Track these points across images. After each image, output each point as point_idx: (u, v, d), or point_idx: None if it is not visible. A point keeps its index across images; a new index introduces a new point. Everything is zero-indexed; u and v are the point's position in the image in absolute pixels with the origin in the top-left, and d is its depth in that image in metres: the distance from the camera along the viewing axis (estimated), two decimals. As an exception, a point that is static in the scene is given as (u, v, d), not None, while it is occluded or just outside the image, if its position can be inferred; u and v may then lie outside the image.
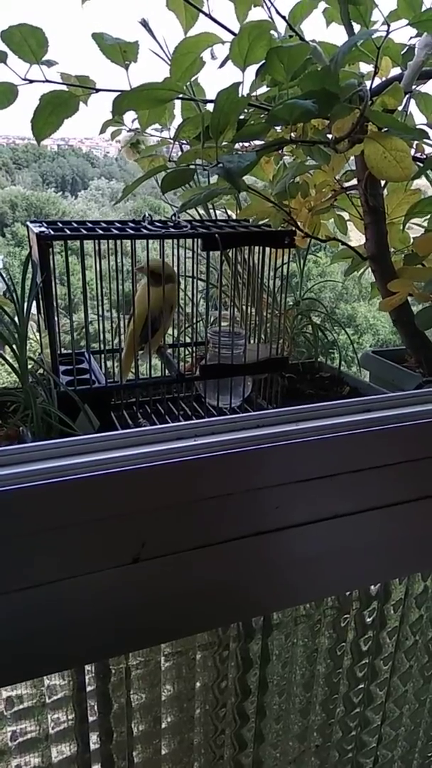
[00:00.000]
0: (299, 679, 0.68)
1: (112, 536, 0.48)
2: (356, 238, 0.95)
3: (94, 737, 0.59)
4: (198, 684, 0.62)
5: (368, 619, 0.68)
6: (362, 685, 0.73)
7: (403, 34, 0.82)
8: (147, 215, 0.72)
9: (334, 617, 0.66)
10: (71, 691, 0.56)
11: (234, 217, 0.92)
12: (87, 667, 0.56)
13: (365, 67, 0.80)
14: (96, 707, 0.58)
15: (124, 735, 0.60)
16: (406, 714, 0.78)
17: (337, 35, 0.75)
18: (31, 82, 0.71)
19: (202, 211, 0.93)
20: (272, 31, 0.70)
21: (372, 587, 0.67)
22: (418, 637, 0.73)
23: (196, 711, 0.64)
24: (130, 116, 0.83)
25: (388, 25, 0.62)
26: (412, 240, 0.88)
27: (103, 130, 0.85)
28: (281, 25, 0.77)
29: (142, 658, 0.58)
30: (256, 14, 0.77)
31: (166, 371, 0.79)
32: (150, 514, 0.49)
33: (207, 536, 0.52)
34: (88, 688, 0.57)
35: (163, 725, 0.62)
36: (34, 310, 0.68)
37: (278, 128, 0.76)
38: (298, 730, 0.71)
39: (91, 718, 0.58)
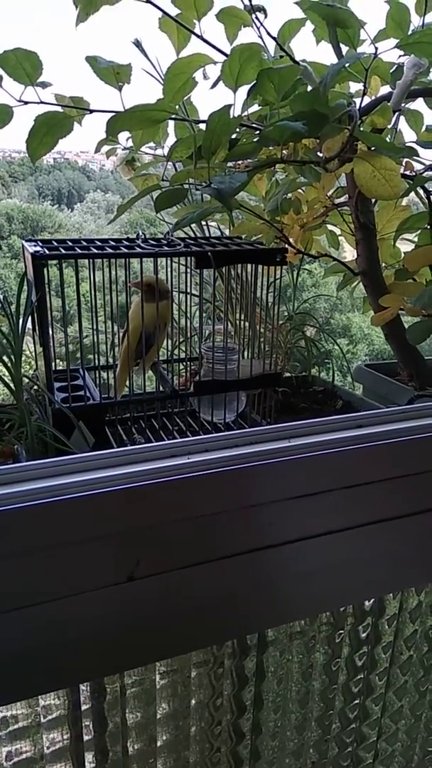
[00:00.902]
0: (294, 695, 0.68)
1: (107, 555, 0.48)
2: (349, 250, 0.96)
3: (89, 756, 0.59)
4: (193, 702, 0.62)
5: (363, 635, 0.69)
6: (358, 701, 0.72)
7: (392, 52, 0.83)
8: (141, 234, 0.73)
9: (328, 633, 0.67)
10: (66, 710, 0.56)
11: (228, 233, 0.92)
12: (82, 686, 0.56)
13: (354, 86, 0.82)
14: (91, 726, 0.58)
15: (120, 754, 0.60)
16: (402, 729, 0.78)
17: (326, 52, 0.76)
18: (26, 103, 0.72)
19: (196, 228, 0.94)
20: (263, 52, 0.71)
21: (366, 602, 0.68)
22: (413, 651, 0.73)
23: (192, 729, 0.63)
24: (125, 134, 0.84)
25: (376, 49, 0.64)
26: (402, 255, 0.88)
27: (98, 149, 0.86)
28: (271, 45, 0.78)
29: (137, 676, 0.58)
30: (247, 34, 0.78)
31: (161, 387, 0.79)
32: (144, 532, 0.49)
33: (201, 554, 0.52)
34: (84, 707, 0.57)
35: (159, 744, 0.62)
36: (29, 325, 0.68)
37: (270, 147, 0.77)
38: (294, 746, 0.71)
39: (86, 738, 0.58)
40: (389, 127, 0.76)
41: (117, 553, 0.48)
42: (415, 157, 0.77)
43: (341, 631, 0.67)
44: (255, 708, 0.66)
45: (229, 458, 0.51)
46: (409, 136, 0.86)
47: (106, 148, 0.88)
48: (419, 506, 0.61)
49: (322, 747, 0.73)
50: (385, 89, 0.80)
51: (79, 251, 0.67)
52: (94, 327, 0.73)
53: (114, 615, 0.50)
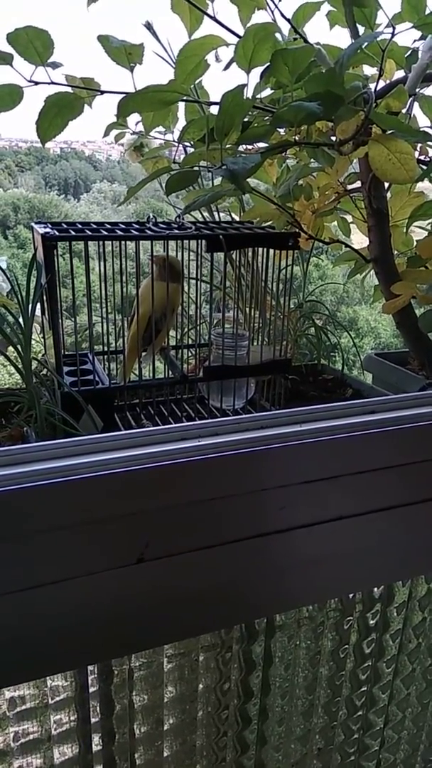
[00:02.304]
0: (302, 681, 0.68)
1: (116, 537, 0.48)
2: (358, 240, 0.95)
3: (96, 738, 0.59)
4: (200, 686, 0.62)
5: (371, 622, 0.68)
6: (365, 688, 0.72)
7: (407, 36, 0.82)
8: (151, 217, 0.72)
9: (337, 619, 0.66)
10: (74, 692, 0.56)
11: (237, 219, 0.92)
12: (90, 668, 0.56)
13: (369, 70, 0.81)
14: (98, 708, 0.58)
15: (127, 736, 0.60)
16: (409, 717, 0.78)
17: (340, 37, 0.75)
18: (36, 83, 0.71)
19: (206, 214, 0.93)
20: (276, 34, 0.70)
21: (375, 590, 0.67)
22: (421, 639, 0.73)
23: (199, 713, 0.64)
24: (133, 119, 0.83)
25: (393, 28, 0.63)
26: (415, 243, 0.88)
27: (107, 133, 0.85)
28: (285, 28, 0.77)
29: (145, 659, 0.58)
30: (260, 17, 0.77)
31: (170, 372, 0.79)
32: (154, 514, 0.49)
33: (211, 537, 0.52)
34: (91, 689, 0.57)
35: (166, 727, 0.62)
36: (38, 311, 0.68)
37: (282, 131, 0.76)
38: (301, 732, 0.71)
39: (93, 720, 0.58)
40: (404, 111, 0.75)
41: (126, 535, 0.48)
42: (429, 143, 0.76)
43: (350, 618, 0.67)
44: (262, 693, 0.66)
45: (239, 442, 0.51)
46: (422, 122, 0.85)
47: (114, 132, 0.87)
48: (430, 494, 0.60)
49: (329, 733, 0.73)
50: (399, 74, 0.79)
51: (90, 233, 0.66)
52: (103, 314, 0.73)
53: (123, 597, 0.50)
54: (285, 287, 0.78)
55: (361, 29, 0.70)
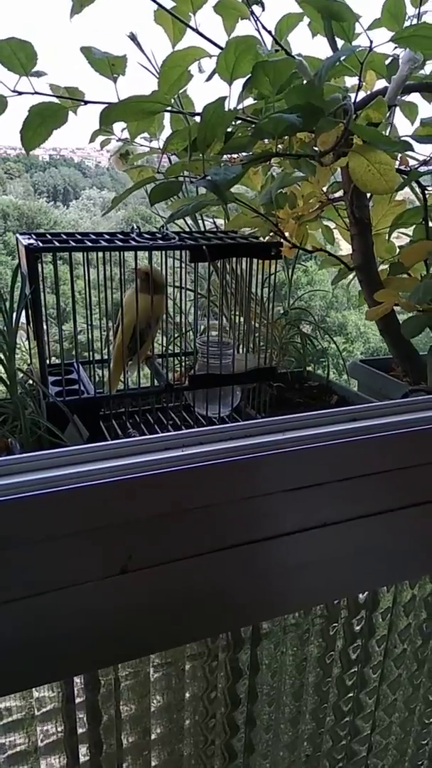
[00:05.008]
0: (289, 688, 0.68)
1: (100, 547, 0.48)
2: (345, 247, 0.96)
3: (83, 749, 0.59)
4: (187, 694, 0.62)
5: (357, 628, 0.69)
6: (352, 694, 0.73)
7: (387, 44, 0.83)
8: (135, 227, 0.73)
9: (322, 626, 0.67)
10: (60, 702, 0.56)
11: (223, 226, 0.92)
12: (76, 679, 0.56)
13: (351, 80, 0.82)
14: (85, 719, 0.58)
15: (114, 747, 0.60)
16: (396, 722, 0.78)
17: (323, 46, 0.76)
18: (20, 93, 0.71)
19: (190, 222, 0.94)
20: (258, 45, 0.71)
21: (360, 596, 0.68)
22: (407, 645, 0.73)
23: (186, 722, 0.63)
24: (119, 126, 0.84)
25: (371, 42, 0.64)
26: (397, 250, 0.89)
27: (92, 140, 0.86)
28: (268, 38, 0.78)
29: (132, 669, 0.58)
30: (244, 26, 0.78)
31: (155, 381, 0.79)
32: (138, 524, 0.49)
33: (195, 546, 0.52)
34: (77, 700, 0.56)
35: (153, 736, 0.62)
36: (23, 319, 0.68)
37: (266, 140, 0.77)
38: (288, 739, 0.71)
39: (80, 730, 0.58)
40: (384, 121, 0.76)
41: (110, 546, 0.48)
42: (409, 152, 0.78)
43: (335, 624, 0.67)
44: (249, 701, 0.66)
45: (224, 451, 0.51)
46: (403, 131, 0.86)
47: (100, 138, 0.88)
48: (413, 499, 0.61)
49: (317, 740, 0.73)
50: (380, 83, 0.80)
51: (74, 244, 0.67)
52: (89, 322, 0.73)
53: (107, 607, 0.50)
54: (270, 295, 0.78)
55: (340, 42, 0.71)
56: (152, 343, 0.78)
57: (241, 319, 0.83)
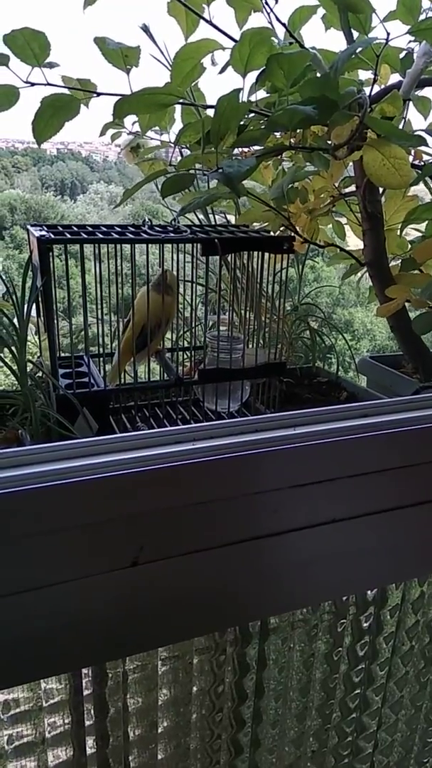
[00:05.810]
0: (296, 684, 0.68)
1: (110, 540, 0.48)
2: (354, 243, 0.95)
3: (90, 741, 0.59)
4: (195, 688, 0.62)
5: (365, 625, 0.69)
6: (358, 691, 0.73)
7: (402, 39, 0.83)
8: (147, 220, 0.72)
9: (330, 622, 0.66)
10: (68, 694, 0.56)
11: (233, 221, 0.92)
12: (84, 671, 0.56)
13: (364, 74, 0.81)
14: (92, 711, 0.58)
15: (121, 739, 0.60)
16: (402, 720, 0.78)
17: (335, 39, 0.75)
18: (32, 84, 0.71)
19: (201, 216, 0.93)
20: (272, 38, 0.70)
21: (369, 592, 0.67)
22: (415, 642, 0.73)
23: (193, 716, 0.64)
24: (130, 119, 0.83)
25: (388, 34, 0.63)
26: (409, 246, 0.88)
27: (103, 133, 0.85)
28: (281, 30, 0.77)
29: (139, 662, 0.58)
30: (256, 19, 0.77)
31: (165, 375, 0.79)
32: (148, 517, 0.49)
33: (206, 540, 0.52)
34: (85, 692, 0.57)
35: (160, 730, 0.62)
36: (33, 312, 0.68)
37: (278, 134, 0.76)
38: (295, 735, 0.71)
39: (87, 722, 0.58)
40: (398, 116, 0.76)
41: (121, 538, 0.48)
42: (424, 147, 0.77)
43: (343, 621, 0.67)
44: (256, 696, 0.66)
45: (234, 445, 0.51)
46: (417, 125, 0.86)
47: (111, 132, 0.87)
48: (423, 496, 0.61)
49: (322, 736, 0.73)
50: (394, 77, 0.79)
51: (85, 236, 0.66)
52: (99, 317, 0.73)
53: (117, 600, 0.50)
54: (280, 290, 0.78)
55: (355, 34, 0.70)
56: (162, 339, 0.78)
57: (251, 314, 0.82)
